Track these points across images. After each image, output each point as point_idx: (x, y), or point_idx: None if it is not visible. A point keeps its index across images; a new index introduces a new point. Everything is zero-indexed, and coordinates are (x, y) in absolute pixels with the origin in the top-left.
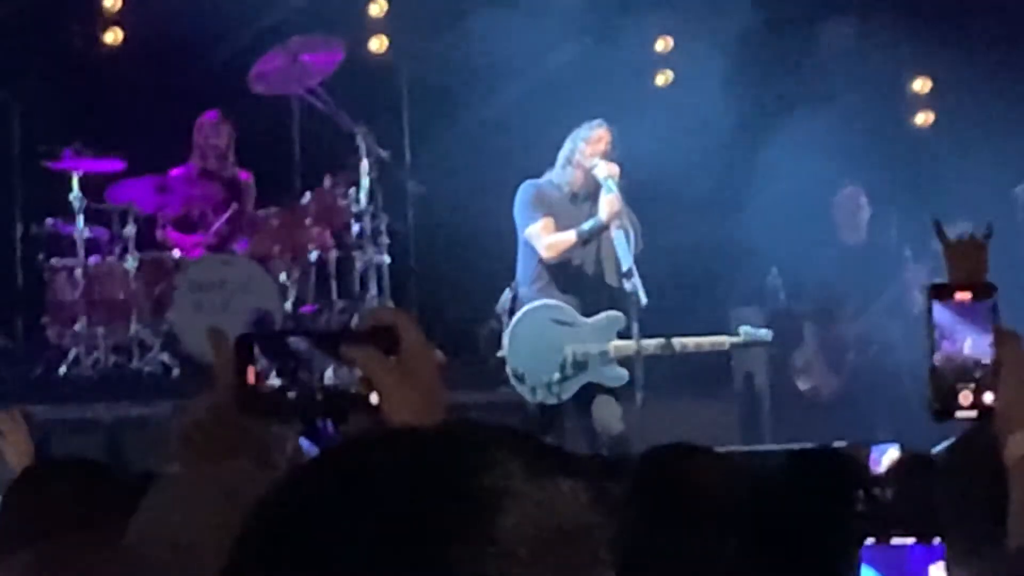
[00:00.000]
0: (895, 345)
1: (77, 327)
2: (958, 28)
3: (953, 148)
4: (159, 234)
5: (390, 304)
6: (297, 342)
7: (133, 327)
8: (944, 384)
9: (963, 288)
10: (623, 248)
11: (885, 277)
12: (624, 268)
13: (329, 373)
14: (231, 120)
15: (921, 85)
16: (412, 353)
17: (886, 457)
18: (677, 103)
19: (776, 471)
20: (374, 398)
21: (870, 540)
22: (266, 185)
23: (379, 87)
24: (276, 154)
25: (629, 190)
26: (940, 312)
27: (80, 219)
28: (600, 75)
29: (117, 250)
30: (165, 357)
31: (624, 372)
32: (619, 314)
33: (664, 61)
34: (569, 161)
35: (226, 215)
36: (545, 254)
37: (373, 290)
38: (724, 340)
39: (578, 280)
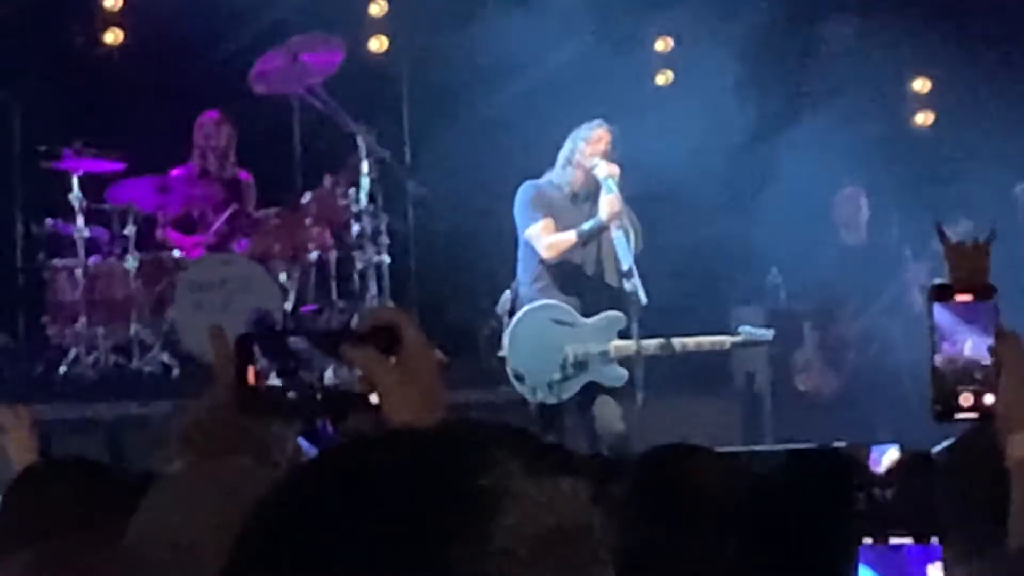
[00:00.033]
0: (895, 345)
1: (77, 327)
2: (958, 28)
3: (953, 148)
4: (159, 234)
5: (390, 304)
6: (297, 342)
7: (133, 327)
8: (945, 386)
9: (964, 290)
10: (623, 248)
11: (885, 277)
12: (624, 268)
13: (329, 373)
14: (231, 120)
15: (921, 85)
16: (412, 353)
17: (886, 457)
18: (677, 103)
19: (776, 471)
20: (374, 398)
21: (868, 540)
22: (266, 185)
23: (379, 87)
24: (276, 154)
25: (629, 190)
26: (941, 313)
27: (80, 219)
28: (600, 75)
29: (117, 250)
30: (165, 357)
31: (624, 372)
32: (619, 314)
33: (664, 61)
34: (569, 161)
35: (226, 215)
36: (545, 254)
37: (373, 290)
38: (724, 340)
39: (578, 280)
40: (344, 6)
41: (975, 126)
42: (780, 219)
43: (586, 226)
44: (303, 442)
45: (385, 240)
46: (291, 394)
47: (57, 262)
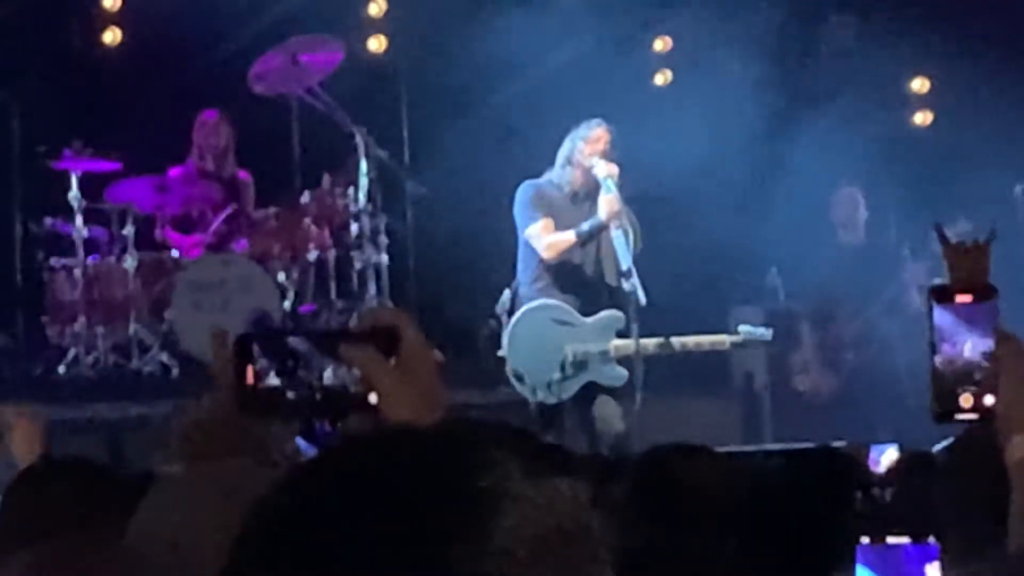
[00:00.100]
0: (894, 344)
1: (76, 327)
2: (958, 28)
3: (952, 148)
4: (158, 234)
5: (389, 304)
6: (296, 342)
7: (132, 327)
8: (945, 387)
9: (964, 291)
10: (622, 248)
11: (884, 276)
12: (623, 268)
13: (328, 373)
14: (230, 120)
15: (920, 84)
16: (411, 353)
17: (885, 457)
18: (676, 103)
19: (775, 471)
20: (373, 398)
21: (864, 539)
22: (265, 185)
23: (378, 87)
24: (275, 154)
25: (628, 190)
26: (941, 315)
27: (79, 219)
28: (600, 75)
29: (116, 250)
30: (164, 357)
31: (624, 371)
32: (619, 313)
33: (663, 61)
34: (568, 161)
35: (224, 214)
36: (545, 254)
37: (372, 290)
38: (724, 339)
39: (578, 280)
40: (343, 6)
41: (975, 126)
42: (779, 219)
43: (585, 226)
44: (302, 442)
45: (384, 240)
46: (290, 394)
47: (56, 262)
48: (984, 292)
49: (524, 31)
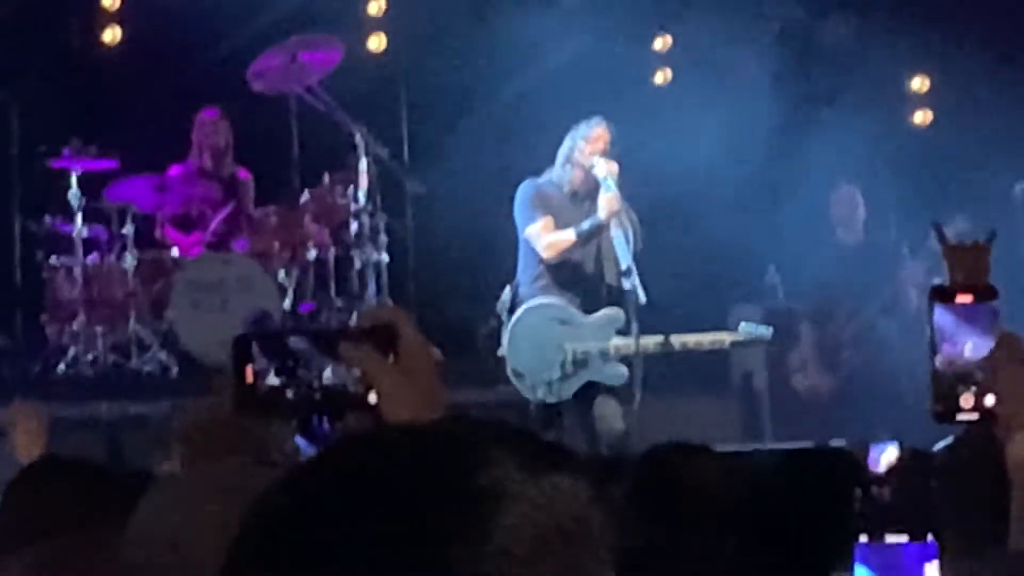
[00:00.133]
0: (893, 343)
1: (76, 326)
2: (958, 27)
3: (952, 147)
4: (158, 233)
5: (389, 303)
6: (296, 341)
7: (132, 326)
8: (945, 387)
9: (964, 290)
10: (622, 246)
11: (883, 275)
12: (623, 266)
13: (328, 372)
14: (230, 119)
15: (920, 84)
16: (410, 352)
17: (884, 455)
18: (676, 102)
19: (775, 470)
20: (372, 397)
21: (864, 538)
22: (265, 184)
23: (378, 86)
24: (275, 153)
25: (628, 188)
26: (941, 315)
27: (79, 218)
28: (600, 73)
29: (116, 249)
30: (164, 356)
31: (624, 370)
32: (619, 312)
33: (663, 60)
34: (568, 159)
35: (224, 213)
36: (545, 254)
37: (372, 289)
38: (724, 337)
39: (578, 278)
40: (343, 5)
41: (974, 125)
42: (778, 218)
43: (585, 225)
44: (301, 441)
45: (384, 239)
46: (289, 393)
47: (55, 261)
48: (985, 292)
49: (524, 30)
